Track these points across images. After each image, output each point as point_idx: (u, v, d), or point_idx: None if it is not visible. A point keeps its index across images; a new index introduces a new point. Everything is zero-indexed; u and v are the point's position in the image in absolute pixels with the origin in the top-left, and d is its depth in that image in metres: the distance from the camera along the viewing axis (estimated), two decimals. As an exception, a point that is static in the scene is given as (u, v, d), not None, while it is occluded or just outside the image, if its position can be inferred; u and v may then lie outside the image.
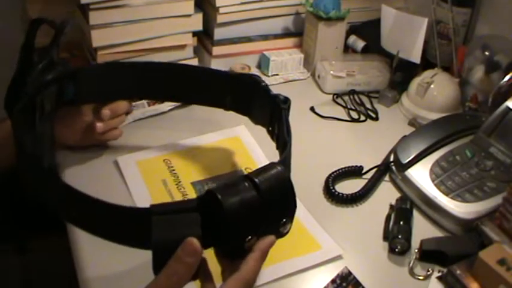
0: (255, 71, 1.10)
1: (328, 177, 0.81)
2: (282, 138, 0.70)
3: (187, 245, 0.49)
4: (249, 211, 0.52)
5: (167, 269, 0.49)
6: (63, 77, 0.75)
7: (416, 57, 1.01)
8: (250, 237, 0.53)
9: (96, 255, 0.68)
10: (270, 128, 0.76)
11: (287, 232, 0.57)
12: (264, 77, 1.07)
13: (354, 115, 1.00)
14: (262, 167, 0.56)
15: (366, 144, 0.92)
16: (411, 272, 0.69)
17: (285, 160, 0.62)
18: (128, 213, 0.54)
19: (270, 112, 0.75)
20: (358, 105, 1.02)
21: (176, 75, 0.83)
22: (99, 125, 0.80)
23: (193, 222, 0.51)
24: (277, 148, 0.74)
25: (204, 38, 1.09)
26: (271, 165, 0.56)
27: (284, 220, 0.56)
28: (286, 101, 0.73)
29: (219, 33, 1.07)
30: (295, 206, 0.56)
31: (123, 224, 0.54)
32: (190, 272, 0.50)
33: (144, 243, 0.52)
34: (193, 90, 0.84)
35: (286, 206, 0.56)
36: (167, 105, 0.95)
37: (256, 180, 0.53)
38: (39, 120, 0.69)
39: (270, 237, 0.55)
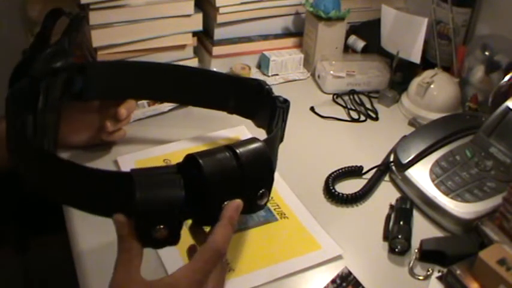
0: (255, 71, 1.10)
1: (328, 177, 0.81)
2: (271, 127, 0.72)
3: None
4: (228, 177, 0.54)
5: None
6: (72, 68, 0.74)
7: (416, 57, 1.01)
8: (226, 202, 0.54)
9: (96, 251, 0.68)
10: (269, 129, 0.77)
11: (264, 204, 0.59)
12: (264, 77, 1.07)
13: (354, 115, 1.00)
14: (244, 140, 0.58)
15: (366, 144, 0.92)
16: (411, 272, 0.69)
17: (268, 140, 0.63)
18: (110, 176, 0.55)
19: (270, 114, 0.75)
20: (358, 105, 1.02)
21: (182, 77, 0.83)
22: (109, 125, 0.80)
23: (176, 183, 0.52)
24: None
25: (204, 38, 1.09)
26: (252, 139, 0.58)
27: (262, 191, 0.57)
28: (285, 102, 0.74)
29: (219, 33, 1.07)
30: (272, 179, 0.58)
31: (106, 190, 0.54)
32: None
33: (128, 209, 0.52)
34: (198, 93, 0.84)
35: (264, 178, 0.58)
36: (167, 105, 0.95)
37: (237, 151, 0.55)
38: (43, 107, 0.69)
39: (235, 201, 0.55)
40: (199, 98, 0.85)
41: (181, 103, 0.92)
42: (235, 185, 0.55)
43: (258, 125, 0.81)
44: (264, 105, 0.77)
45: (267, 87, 0.77)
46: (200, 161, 0.53)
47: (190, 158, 0.54)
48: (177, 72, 0.83)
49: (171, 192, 0.51)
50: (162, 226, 0.51)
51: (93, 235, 0.69)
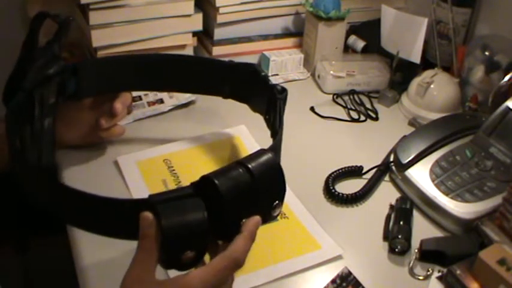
0: (255, 71, 1.10)
1: (328, 177, 0.81)
2: (274, 128, 0.72)
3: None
4: (244, 195, 0.54)
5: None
6: (64, 71, 0.75)
7: (416, 57, 1.01)
8: (244, 220, 0.55)
9: (96, 250, 0.68)
10: (267, 117, 0.78)
11: (278, 215, 0.59)
12: (264, 77, 1.07)
13: (354, 115, 1.00)
14: (253, 153, 0.58)
15: (366, 144, 0.92)
16: (411, 272, 0.69)
17: (275, 147, 0.64)
18: (130, 205, 0.55)
19: (268, 101, 0.76)
20: (358, 105, 1.02)
21: (176, 65, 0.84)
22: (103, 122, 0.80)
23: (199, 207, 0.52)
24: (272, 136, 0.75)
25: (204, 38, 1.09)
26: (262, 152, 0.58)
27: (275, 203, 0.58)
28: (283, 91, 0.74)
29: (219, 33, 1.07)
30: (284, 190, 0.59)
31: (127, 218, 0.54)
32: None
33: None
34: (193, 79, 0.85)
35: (277, 189, 0.58)
36: (167, 105, 0.95)
37: (250, 166, 0.55)
38: (39, 116, 0.69)
39: (255, 217, 0.56)
40: (193, 84, 0.85)
41: (176, 91, 0.91)
42: (250, 200, 0.55)
43: (254, 110, 0.82)
44: (259, 91, 0.78)
45: (263, 73, 0.78)
46: (216, 181, 0.53)
47: (206, 179, 0.54)
48: (169, 61, 0.84)
49: (195, 216, 0.51)
50: (190, 251, 0.52)
51: (93, 236, 0.69)
